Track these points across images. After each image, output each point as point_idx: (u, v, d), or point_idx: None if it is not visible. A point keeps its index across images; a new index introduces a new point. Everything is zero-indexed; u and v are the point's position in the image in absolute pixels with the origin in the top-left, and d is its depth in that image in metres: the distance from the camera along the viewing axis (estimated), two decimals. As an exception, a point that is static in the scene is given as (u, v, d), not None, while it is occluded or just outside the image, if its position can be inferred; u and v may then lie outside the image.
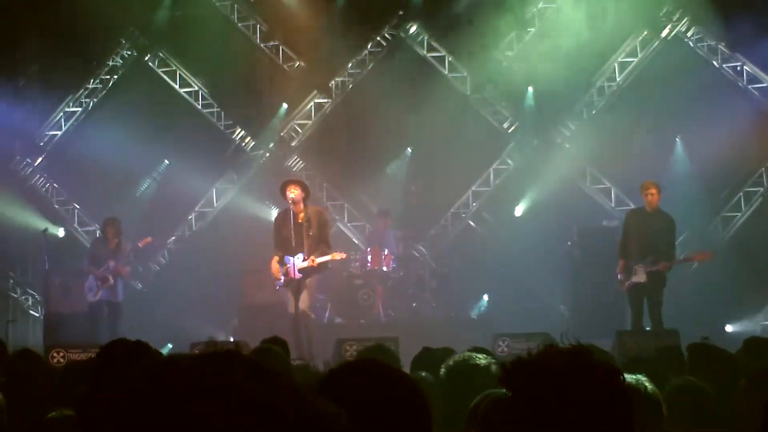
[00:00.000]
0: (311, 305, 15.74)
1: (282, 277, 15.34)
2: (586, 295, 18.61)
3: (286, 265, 15.27)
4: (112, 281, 17.03)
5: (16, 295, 22.06)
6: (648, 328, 15.66)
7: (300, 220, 15.23)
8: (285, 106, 22.49)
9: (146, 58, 22.78)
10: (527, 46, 22.15)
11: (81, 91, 22.70)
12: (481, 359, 5.19)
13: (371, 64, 22.62)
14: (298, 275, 15.18)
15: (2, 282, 21.92)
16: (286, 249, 15.34)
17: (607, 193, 21.88)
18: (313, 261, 15.16)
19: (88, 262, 17.52)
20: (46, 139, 22.71)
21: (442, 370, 5.18)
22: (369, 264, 19.44)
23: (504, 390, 2.65)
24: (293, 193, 15.22)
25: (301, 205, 15.28)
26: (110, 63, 22.74)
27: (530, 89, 22.05)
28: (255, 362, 1.37)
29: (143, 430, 1.26)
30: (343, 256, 16.28)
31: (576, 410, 2.50)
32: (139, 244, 17.47)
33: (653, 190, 15.96)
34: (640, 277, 15.69)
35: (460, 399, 4.34)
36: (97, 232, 17.91)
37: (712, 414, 5.56)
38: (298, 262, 15.20)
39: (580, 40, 21.21)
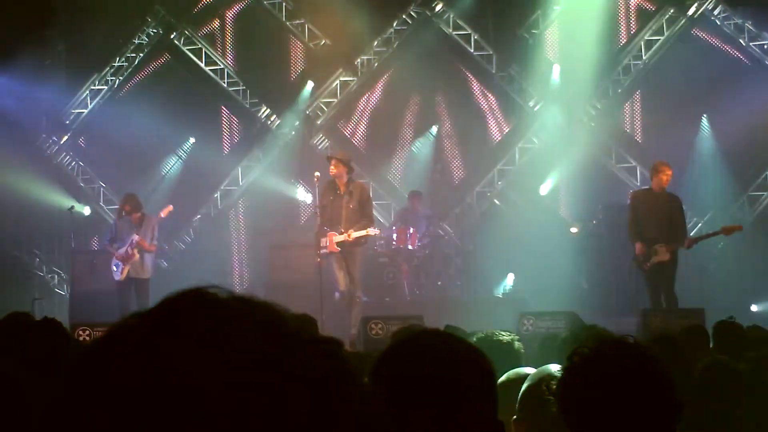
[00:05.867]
0: (358, 283, 15.95)
1: (325, 247, 15.74)
2: (611, 274, 18.56)
3: (326, 236, 15.69)
4: (137, 256, 16.94)
5: (42, 274, 22.14)
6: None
7: (341, 193, 15.72)
8: (311, 84, 22.44)
9: (172, 36, 22.75)
10: (553, 24, 22.08)
11: (107, 69, 22.70)
12: (504, 336, 5.20)
13: (396, 42, 22.55)
14: (336, 249, 15.62)
15: (28, 260, 22.02)
16: (324, 218, 15.88)
17: (633, 172, 21.78)
18: (348, 235, 15.50)
19: (108, 241, 17.52)
20: (72, 117, 22.73)
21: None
22: (394, 242, 19.41)
23: (525, 369, 2.71)
24: (333, 169, 15.82)
25: (345, 179, 15.80)
26: (136, 41, 22.73)
27: (556, 67, 21.97)
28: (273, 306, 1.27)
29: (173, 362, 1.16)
30: (377, 232, 16.52)
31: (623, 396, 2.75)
32: (161, 214, 17.38)
33: (669, 171, 15.88)
34: (663, 255, 15.63)
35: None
36: (120, 211, 17.83)
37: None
38: (336, 235, 15.61)
39: (606, 17, 21.14)
